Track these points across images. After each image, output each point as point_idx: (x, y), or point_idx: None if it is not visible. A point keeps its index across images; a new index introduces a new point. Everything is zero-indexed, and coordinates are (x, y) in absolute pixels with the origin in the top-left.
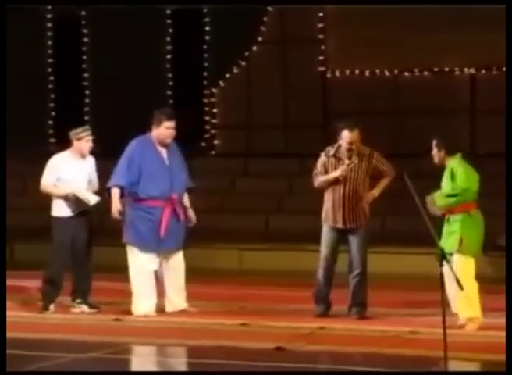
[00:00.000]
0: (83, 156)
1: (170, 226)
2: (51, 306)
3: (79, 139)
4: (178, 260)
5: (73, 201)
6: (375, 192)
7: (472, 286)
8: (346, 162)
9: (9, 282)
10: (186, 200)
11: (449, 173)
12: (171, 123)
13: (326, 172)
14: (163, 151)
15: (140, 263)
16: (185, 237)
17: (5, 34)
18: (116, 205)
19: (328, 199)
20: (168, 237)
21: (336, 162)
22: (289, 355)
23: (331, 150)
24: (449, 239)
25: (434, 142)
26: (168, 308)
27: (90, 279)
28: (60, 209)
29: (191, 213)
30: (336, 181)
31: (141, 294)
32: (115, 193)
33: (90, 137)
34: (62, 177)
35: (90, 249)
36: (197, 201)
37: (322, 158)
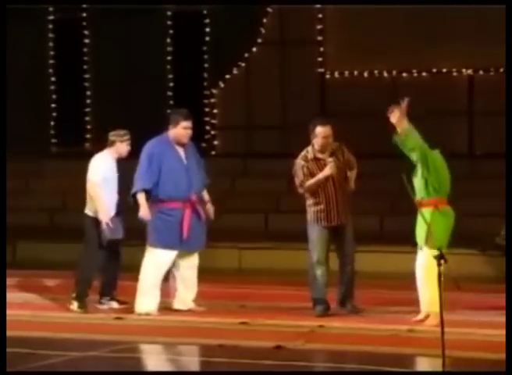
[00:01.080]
0: (120, 158)
1: (192, 226)
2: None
3: (122, 141)
4: (194, 259)
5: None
6: (353, 186)
7: (433, 280)
8: (329, 159)
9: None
10: (205, 196)
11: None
12: (188, 123)
13: (312, 175)
14: (181, 151)
15: (161, 264)
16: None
17: (5, 34)
18: (145, 208)
19: (317, 201)
20: (190, 237)
21: (318, 163)
22: (288, 354)
23: (308, 154)
24: (419, 232)
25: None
26: (177, 305)
27: (118, 276)
28: (96, 209)
29: (211, 209)
30: (324, 181)
31: (148, 292)
32: (142, 196)
33: (130, 141)
34: (105, 176)
35: (121, 248)
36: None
37: (301, 163)
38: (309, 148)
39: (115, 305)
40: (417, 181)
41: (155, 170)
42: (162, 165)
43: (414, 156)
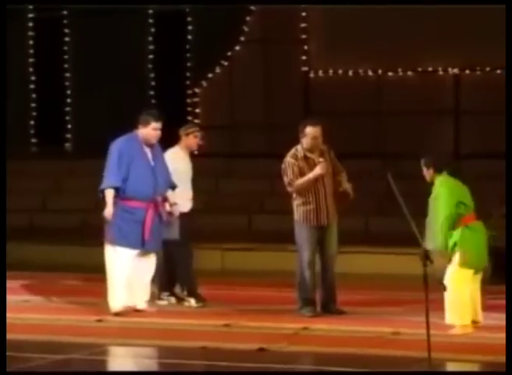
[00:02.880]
0: (190, 151)
1: (153, 227)
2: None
3: (187, 134)
4: (151, 261)
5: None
6: (350, 191)
7: (461, 294)
8: (320, 159)
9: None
10: (171, 197)
11: (435, 195)
12: (158, 124)
13: (302, 174)
14: (148, 152)
15: (122, 262)
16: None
17: (5, 34)
18: (111, 207)
19: (307, 201)
20: (151, 238)
21: (308, 163)
22: (272, 356)
23: (297, 152)
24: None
25: (422, 161)
26: (131, 303)
27: (174, 272)
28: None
29: (176, 209)
30: (314, 181)
31: (119, 289)
32: (110, 194)
33: (198, 133)
34: (177, 170)
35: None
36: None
37: (292, 161)
38: (298, 147)
39: (173, 300)
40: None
41: (124, 168)
42: (131, 163)
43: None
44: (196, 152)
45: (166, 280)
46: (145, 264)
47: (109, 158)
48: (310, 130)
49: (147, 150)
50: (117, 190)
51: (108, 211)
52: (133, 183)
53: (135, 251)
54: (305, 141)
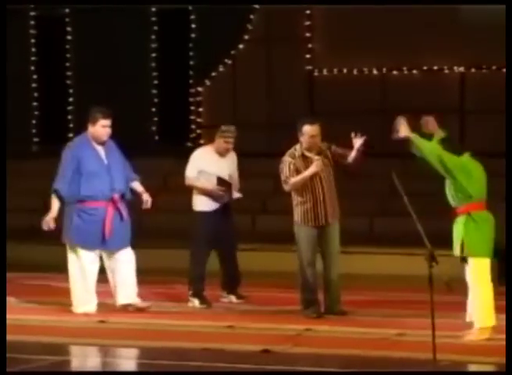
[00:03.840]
0: (220, 154)
1: (114, 225)
2: (196, 301)
3: (219, 137)
4: (126, 257)
5: (215, 195)
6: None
7: (487, 291)
8: (316, 157)
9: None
10: (138, 187)
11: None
12: (107, 121)
13: (298, 172)
14: (100, 150)
15: (83, 263)
16: (132, 235)
17: (5, 34)
18: (54, 213)
19: (305, 201)
20: (112, 236)
21: (305, 161)
22: (275, 358)
23: (296, 151)
24: (455, 243)
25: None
26: (121, 300)
27: (237, 270)
28: (202, 203)
29: (147, 196)
30: (311, 180)
31: (81, 293)
32: (54, 200)
33: (230, 139)
34: (202, 170)
35: (235, 242)
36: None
37: (289, 160)
38: (297, 146)
39: (233, 299)
40: (448, 189)
41: (69, 174)
42: (81, 165)
43: (431, 161)
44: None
45: (226, 279)
46: (120, 261)
47: (61, 162)
48: (307, 129)
49: (100, 148)
50: (71, 193)
51: (52, 216)
52: (87, 184)
53: (95, 253)
54: (303, 140)
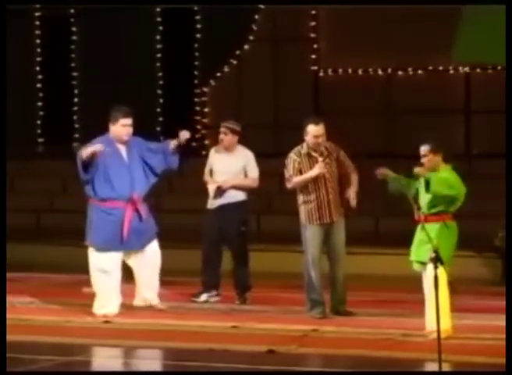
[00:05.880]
0: (226, 150)
1: (133, 226)
2: (204, 295)
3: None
4: (148, 257)
5: (218, 193)
6: (354, 189)
7: (445, 297)
8: (320, 158)
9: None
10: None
11: (439, 181)
12: (127, 120)
13: (301, 172)
14: (122, 149)
15: (103, 264)
16: (152, 234)
17: (5, 34)
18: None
19: (309, 200)
20: (131, 237)
21: (309, 161)
22: (281, 358)
23: (301, 149)
24: (422, 248)
25: (429, 147)
26: (137, 301)
27: (242, 272)
28: (208, 202)
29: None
30: (315, 180)
31: (103, 294)
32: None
33: (223, 133)
34: (212, 169)
35: (244, 240)
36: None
37: (294, 157)
38: (304, 144)
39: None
40: (425, 195)
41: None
42: (100, 163)
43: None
44: (204, 152)
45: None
46: (142, 260)
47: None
48: (311, 129)
49: (122, 148)
50: (92, 192)
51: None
52: (107, 184)
53: (115, 254)
54: (308, 140)
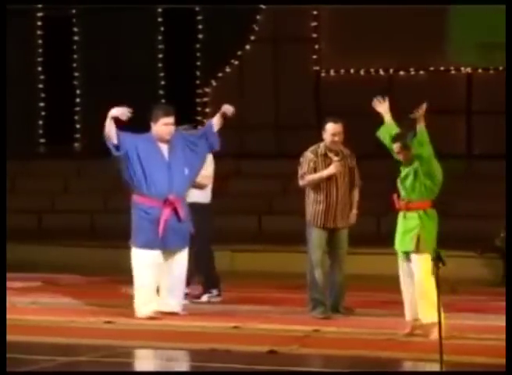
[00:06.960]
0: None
1: (170, 225)
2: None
3: None
4: (177, 262)
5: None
6: (355, 211)
7: (432, 287)
8: (336, 158)
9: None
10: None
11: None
12: (168, 119)
13: (315, 171)
14: (164, 148)
15: (145, 264)
16: (187, 237)
17: (5, 34)
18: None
19: (318, 201)
20: (168, 236)
21: (325, 162)
22: (282, 359)
23: (318, 149)
24: (406, 237)
25: (400, 142)
26: (160, 307)
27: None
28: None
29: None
30: (327, 181)
31: (143, 291)
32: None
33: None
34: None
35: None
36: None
37: (310, 156)
38: (321, 144)
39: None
40: (410, 182)
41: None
42: (143, 160)
43: (424, 152)
44: None
45: None
46: (171, 265)
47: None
48: (329, 127)
49: (164, 146)
50: (132, 188)
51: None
52: (146, 180)
53: (155, 253)
54: (326, 138)
